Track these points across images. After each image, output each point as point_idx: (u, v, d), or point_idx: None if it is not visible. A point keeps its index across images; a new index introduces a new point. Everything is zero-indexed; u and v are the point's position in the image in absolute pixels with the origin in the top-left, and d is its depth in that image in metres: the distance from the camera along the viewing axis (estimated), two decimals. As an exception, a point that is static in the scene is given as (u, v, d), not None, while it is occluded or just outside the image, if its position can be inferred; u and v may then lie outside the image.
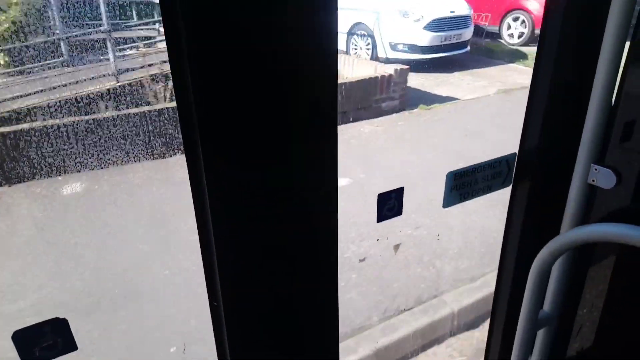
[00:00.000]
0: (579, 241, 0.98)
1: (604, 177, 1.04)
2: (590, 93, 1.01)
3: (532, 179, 1.14)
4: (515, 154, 1.14)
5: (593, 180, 1.05)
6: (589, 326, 1.37)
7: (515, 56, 8.43)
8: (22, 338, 0.61)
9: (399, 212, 1.02)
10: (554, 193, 1.14)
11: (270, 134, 0.66)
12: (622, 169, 1.04)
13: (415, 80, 6.70)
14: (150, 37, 6.36)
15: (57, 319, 0.63)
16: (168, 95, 5.13)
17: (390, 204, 1.00)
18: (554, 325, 1.19)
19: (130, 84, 5.00)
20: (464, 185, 1.09)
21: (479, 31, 8.94)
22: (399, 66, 6.00)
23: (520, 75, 7.37)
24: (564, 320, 1.25)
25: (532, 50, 8.40)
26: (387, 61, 6.73)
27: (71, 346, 0.65)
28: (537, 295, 1.09)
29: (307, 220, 0.76)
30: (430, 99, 6.35)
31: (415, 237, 3.51)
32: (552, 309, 1.17)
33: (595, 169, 1.05)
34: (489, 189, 1.14)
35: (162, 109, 4.41)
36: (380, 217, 1.00)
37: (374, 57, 7.13)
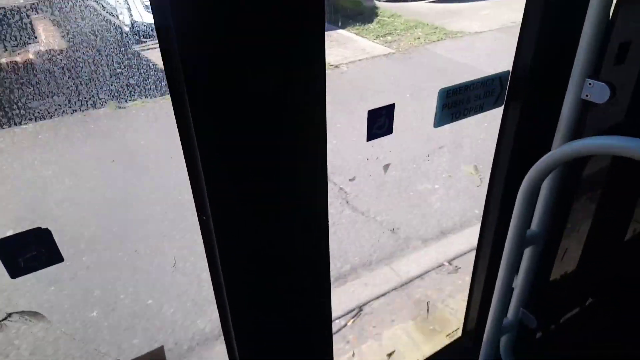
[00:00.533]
0: (571, 156, 0.97)
1: (598, 91, 1.01)
2: (587, 8, 0.97)
3: (525, 96, 1.12)
4: (508, 71, 1.11)
5: (587, 95, 1.03)
6: (574, 247, 1.40)
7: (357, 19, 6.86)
8: (3, 248, 0.60)
9: (389, 130, 1.00)
10: (547, 110, 1.12)
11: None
12: (616, 83, 1.02)
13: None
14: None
15: (39, 229, 0.61)
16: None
17: (380, 122, 0.98)
18: (540, 244, 1.21)
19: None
20: (455, 103, 1.07)
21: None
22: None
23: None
24: (551, 240, 1.27)
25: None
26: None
27: (57, 257, 0.64)
28: (525, 213, 1.10)
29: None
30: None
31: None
32: (540, 228, 1.19)
33: (590, 84, 1.02)
34: (481, 108, 1.11)
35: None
36: (370, 136, 0.97)
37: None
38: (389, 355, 1.99)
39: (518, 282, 1.25)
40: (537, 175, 1.04)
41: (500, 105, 1.14)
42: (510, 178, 1.17)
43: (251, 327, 0.86)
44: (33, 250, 0.62)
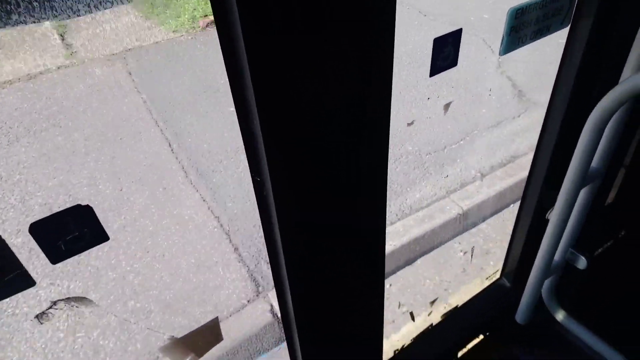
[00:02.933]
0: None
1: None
2: None
3: (595, 15, 0.97)
4: (578, -17, 0.95)
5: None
6: (630, 184, 1.32)
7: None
8: (40, 231, 0.47)
9: (454, 61, 0.84)
10: (619, 35, 0.98)
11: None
12: None
13: None
14: None
15: (79, 206, 0.48)
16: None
17: (445, 52, 0.83)
18: (598, 182, 1.12)
19: None
20: (523, 25, 0.91)
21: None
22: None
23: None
24: (608, 178, 1.19)
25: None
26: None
27: (101, 236, 0.51)
28: (590, 149, 1.00)
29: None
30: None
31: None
32: (601, 165, 1.09)
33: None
34: (548, 29, 0.96)
35: None
36: (435, 69, 0.82)
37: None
38: (432, 303, 1.97)
39: (570, 221, 1.17)
40: (608, 107, 0.93)
41: (567, 25, 0.99)
42: (572, 110, 1.05)
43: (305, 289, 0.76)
44: (74, 231, 0.49)
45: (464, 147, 3.25)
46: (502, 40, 0.90)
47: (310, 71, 0.50)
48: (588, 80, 1.04)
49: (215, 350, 2.16)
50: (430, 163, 3.13)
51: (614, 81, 1.03)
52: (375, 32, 0.54)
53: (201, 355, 0.71)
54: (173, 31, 4.97)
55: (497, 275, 1.44)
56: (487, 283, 1.40)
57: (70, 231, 0.47)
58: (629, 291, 1.39)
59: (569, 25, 1.00)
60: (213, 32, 4.82)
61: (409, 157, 3.16)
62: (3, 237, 0.44)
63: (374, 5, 0.51)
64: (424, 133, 3.37)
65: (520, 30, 0.92)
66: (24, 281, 0.46)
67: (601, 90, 0.98)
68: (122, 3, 5.26)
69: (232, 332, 2.22)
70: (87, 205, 0.47)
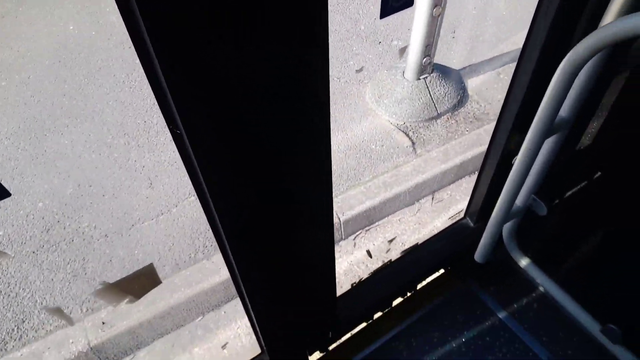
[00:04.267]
0: (625, 34, 0.78)
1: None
2: None
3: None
4: None
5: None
6: (598, 139, 1.28)
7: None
8: None
9: (409, 1, 0.80)
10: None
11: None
12: None
13: None
14: None
15: None
16: None
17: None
18: (565, 132, 1.08)
19: None
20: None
21: None
22: None
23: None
24: (576, 128, 1.15)
25: None
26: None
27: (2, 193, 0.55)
28: (558, 98, 0.95)
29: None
30: None
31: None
32: (570, 115, 1.05)
33: None
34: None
35: None
36: (386, 10, 0.78)
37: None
38: (390, 241, 2.04)
39: (534, 168, 1.17)
40: (581, 56, 0.87)
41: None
42: (546, 54, 0.99)
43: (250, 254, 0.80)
44: None
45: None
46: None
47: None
48: (566, 25, 0.96)
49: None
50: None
51: (592, 28, 0.95)
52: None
53: (138, 297, 0.76)
54: None
55: (461, 215, 1.46)
56: (450, 222, 1.44)
57: None
58: (587, 238, 1.41)
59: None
60: None
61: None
62: None
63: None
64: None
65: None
66: None
67: (579, 37, 0.91)
68: None
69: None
70: None
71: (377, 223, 2.57)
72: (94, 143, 2.85)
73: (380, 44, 3.45)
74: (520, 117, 1.12)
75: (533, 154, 1.08)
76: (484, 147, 2.72)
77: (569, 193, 1.30)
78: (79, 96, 3.13)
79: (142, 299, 2.21)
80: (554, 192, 1.26)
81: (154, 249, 2.39)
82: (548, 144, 1.10)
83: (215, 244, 2.40)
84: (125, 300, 0.76)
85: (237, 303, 2.30)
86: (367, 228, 2.54)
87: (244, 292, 0.85)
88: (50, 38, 3.57)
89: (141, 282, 0.78)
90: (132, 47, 0.50)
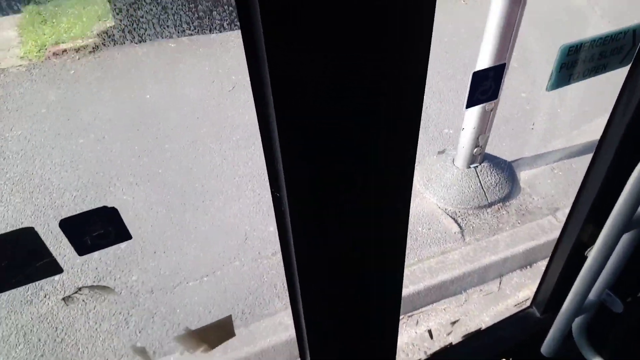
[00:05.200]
0: None
1: None
2: None
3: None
4: (644, 23, 0.92)
5: None
6: None
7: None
8: (70, 226, 0.54)
9: (494, 95, 0.86)
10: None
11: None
12: None
13: None
14: None
15: (105, 207, 0.55)
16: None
17: (485, 86, 0.84)
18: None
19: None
20: (576, 62, 0.90)
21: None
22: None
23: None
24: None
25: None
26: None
27: (124, 235, 0.57)
28: (638, 194, 0.96)
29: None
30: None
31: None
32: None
33: None
34: (604, 67, 0.94)
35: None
36: (472, 102, 0.84)
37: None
38: (453, 323, 1.97)
39: (610, 262, 1.14)
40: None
41: (627, 65, 0.96)
42: (626, 148, 1.02)
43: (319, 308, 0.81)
44: (100, 229, 0.56)
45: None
46: (551, 76, 0.90)
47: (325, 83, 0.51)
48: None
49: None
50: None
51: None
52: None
53: (213, 347, 0.78)
54: (20, 57, 4.44)
55: (528, 304, 1.41)
56: (515, 310, 1.39)
57: (96, 229, 0.53)
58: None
59: (630, 65, 0.97)
60: (53, 63, 4.42)
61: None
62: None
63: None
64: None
65: (572, 67, 0.91)
66: (53, 268, 0.53)
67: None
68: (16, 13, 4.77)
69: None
70: (113, 207, 0.53)
71: (420, 310, 2.48)
72: (153, 202, 3.00)
73: (431, 130, 3.58)
74: (596, 209, 1.13)
75: (609, 248, 1.07)
76: (536, 242, 2.67)
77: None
78: (145, 158, 3.36)
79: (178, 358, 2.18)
80: (630, 289, 1.21)
81: (194, 310, 2.39)
82: (626, 238, 1.09)
83: (253, 311, 2.38)
84: (201, 349, 0.78)
85: (271, 378, 2.22)
86: (409, 314, 2.46)
87: (308, 355, 0.85)
88: (127, 104, 3.93)
89: (218, 332, 0.79)
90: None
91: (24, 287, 2.46)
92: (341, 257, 0.71)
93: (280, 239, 0.67)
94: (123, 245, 2.72)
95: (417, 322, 2.39)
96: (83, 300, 2.39)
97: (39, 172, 3.23)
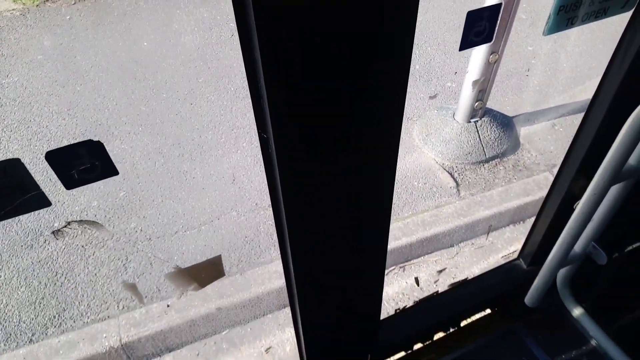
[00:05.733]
0: None
1: None
2: None
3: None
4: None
5: None
6: None
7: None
8: (57, 159, 0.53)
9: (489, 37, 0.82)
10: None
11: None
12: None
13: None
14: None
15: (90, 141, 0.54)
16: None
17: (479, 27, 0.81)
18: (632, 181, 1.07)
19: None
20: (576, 5, 0.86)
21: None
22: None
23: None
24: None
25: None
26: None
27: (111, 170, 0.57)
28: (628, 146, 0.95)
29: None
30: None
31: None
32: (638, 164, 1.04)
33: None
34: (604, 12, 0.90)
35: None
36: (465, 43, 0.81)
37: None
38: (440, 271, 2.01)
39: (596, 215, 1.14)
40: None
41: (629, 10, 0.92)
42: (619, 101, 0.99)
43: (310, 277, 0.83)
44: (86, 162, 0.55)
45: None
46: (548, 19, 0.86)
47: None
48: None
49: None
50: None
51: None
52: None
53: (203, 286, 0.79)
54: (14, 1, 4.35)
55: (515, 255, 1.44)
56: (502, 261, 1.41)
57: (83, 162, 0.53)
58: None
59: (632, 10, 0.92)
60: (48, 8, 4.34)
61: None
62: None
63: None
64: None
65: (571, 11, 0.86)
66: (41, 201, 0.53)
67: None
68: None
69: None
70: (98, 141, 0.52)
71: (412, 261, 2.53)
72: (151, 152, 3.00)
73: (433, 84, 3.51)
74: (587, 162, 1.12)
75: (597, 200, 1.07)
76: (531, 197, 2.67)
77: (632, 244, 1.26)
78: (143, 107, 3.33)
79: (176, 303, 2.25)
80: (615, 242, 1.22)
81: (192, 257, 2.45)
82: (614, 191, 1.09)
83: (249, 259, 2.43)
84: (192, 287, 0.80)
85: (263, 322, 2.30)
86: (401, 265, 2.51)
87: (296, 302, 0.87)
88: (124, 51, 3.84)
89: (208, 271, 0.81)
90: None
91: (24, 232, 2.52)
92: (329, 204, 0.71)
93: (268, 184, 0.67)
94: (122, 193, 2.75)
95: (406, 271, 2.45)
96: (76, 245, 2.44)
97: (36, 120, 3.21)
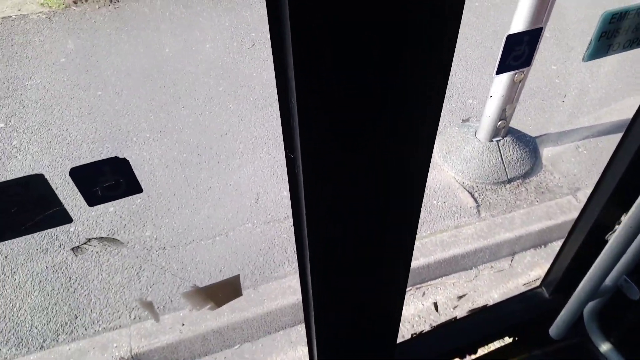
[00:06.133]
0: None
1: None
2: None
3: None
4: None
5: None
6: None
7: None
8: (80, 176, 0.52)
9: (527, 62, 0.79)
10: None
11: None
12: None
13: None
14: None
15: (117, 158, 0.52)
16: None
17: (518, 51, 0.78)
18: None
19: None
20: (617, 31, 0.82)
21: None
22: None
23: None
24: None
25: None
26: None
27: (135, 188, 0.55)
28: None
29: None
30: None
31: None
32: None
33: None
34: (648, 39, 0.86)
35: None
36: (503, 67, 0.78)
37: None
38: (460, 297, 1.95)
39: (630, 248, 1.09)
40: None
41: (675, 38, 0.87)
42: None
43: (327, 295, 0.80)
44: (111, 180, 0.54)
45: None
46: (590, 45, 0.82)
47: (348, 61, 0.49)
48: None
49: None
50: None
51: None
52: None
53: (220, 305, 0.77)
54: (41, 4, 4.43)
55: (537, 283, 1.38)
56: (523, 287, 1.36)
57: (107, 179, 0.51)
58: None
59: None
60: (73, 12, 4.41)
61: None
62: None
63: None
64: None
65: (613, 37, 0.83)
66: (63, 217, 0.51)
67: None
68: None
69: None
70: (124, 158, 0.50)
71: (429, 282, 2.47)
72: (169, 159, 3.01)
73: (454, 100, 3.46)
74: (621, 190, 1.06)
75: (634, 233, 1.02)
76: (553, 221, 2.60)
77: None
78: (162, 113, 3.35)
79: (188, 316, 2.23)
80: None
81: (206, 268, 2.43)
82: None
83: (262, 273, 2.40)
84: (208, 306, 0.78)
85: (275, 338, 2.26)
86: (417, 286, 2.45)
87: (312, 319, 0.84)
88: (146, 57, 3.89)
89: (226, 290, 0.79)
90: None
91: (40, 236, 2.53)
92: (353, 224, 0.68)
93: (292, 203, 0.65)
94: (138, 200, 2.75)
95: (424, 294, 2.39)
96: (92, 252, 2.44)
97: (57, 123, 3.25)
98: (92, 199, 0.54)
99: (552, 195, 2.75)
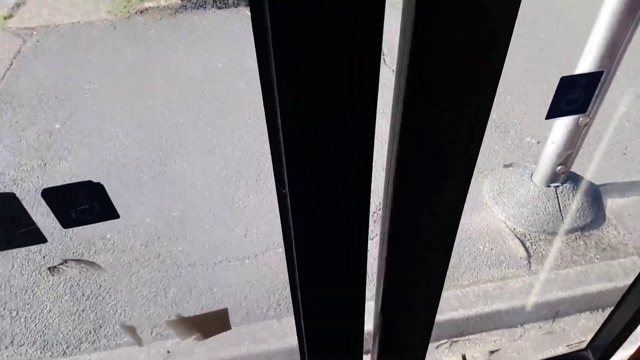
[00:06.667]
0: None
1: None
2: None
3: None
4: None
5: None
6: None
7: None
8: (54, 198, 0.52)
9: (583, 108, 0.68)
10: None
11: None
12: None
13: None
14: None
15: (90, 182, 0.52)
16: None
17: (573, 95, 0.67)
18: None
19: None
20: None
21: None
22: None
23: None
24: None
25: None
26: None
27: (111, 213, 0.55)
28: None
29: None
30: None
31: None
32: None
33: None
34: None
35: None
36: (554, 111, 0.67)
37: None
38: (492, 352, 1.78)
39: None
40: None
41: None
42: None
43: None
44: (85, 203, 0.55)
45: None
46: None
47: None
48: None
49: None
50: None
51: None
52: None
53: (207, 337, 0.74)
54: (108, 12, 4.61)
55: (582, 346, 1.22)
56: (567, 350, 1.21)
57: (81, 203, 0.51)
58: None
59: None
60: (137, 21, 4.56)
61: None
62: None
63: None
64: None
65: None
66: (36, 237, 0.51)
67: None
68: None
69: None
70: (98, 183, 0.50)
71: (467, 337, 2.28)
72: (209, 174, 3.00)
73: (510, 136, 3.25)
74: None
75: None
76: (614, 284, 2.34)
77: None
78: (209, 128, 3.37)
79: (208, 340, 2.16)
80: None
81: (231, 291, 2.36)
82: None
83: (288, 303, 2.30)
84: (193, 337, 0.74)
85: (295, 375, 2.15)
86: (455, 339, 2.27)
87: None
88: (199, 70, 3.95)
89: (212, 323, 0.77)
90: None
91: (77, 239, 2.56)
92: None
93: (284, 237, 0.61)
94: (175, 213, 2.75)
95: (461, 349, 2.20)
96: (124, 260, 2.44)
97: (108, 128, 3.34)
98: (67, 221, 0.54)
99: (614, 254, 2.48)
